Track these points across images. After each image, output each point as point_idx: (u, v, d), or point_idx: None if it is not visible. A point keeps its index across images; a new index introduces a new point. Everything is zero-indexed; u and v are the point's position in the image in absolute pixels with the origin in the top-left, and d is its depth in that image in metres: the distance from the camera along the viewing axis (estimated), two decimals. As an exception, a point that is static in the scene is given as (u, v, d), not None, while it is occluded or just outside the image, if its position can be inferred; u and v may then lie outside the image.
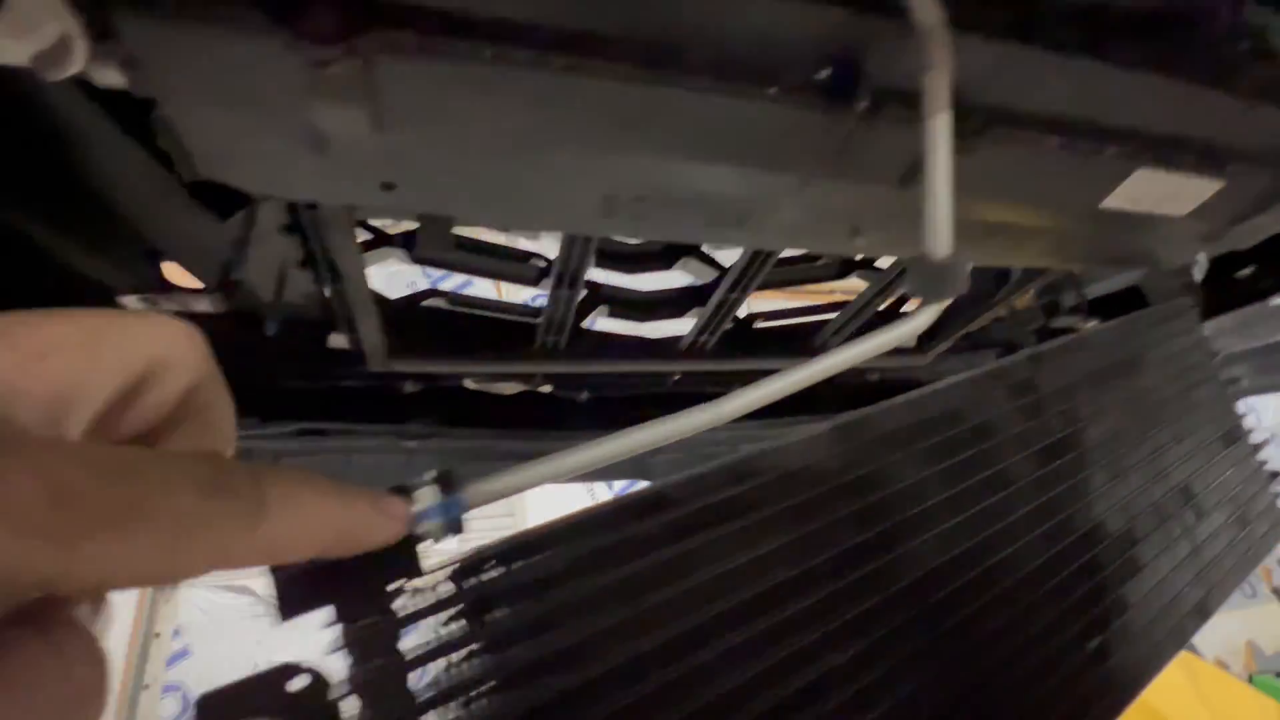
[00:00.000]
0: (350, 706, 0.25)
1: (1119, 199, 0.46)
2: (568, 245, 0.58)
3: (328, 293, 0.58)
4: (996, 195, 0.42)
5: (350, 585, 0.25)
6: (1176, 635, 0.47)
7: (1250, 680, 4.00)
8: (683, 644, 0.30)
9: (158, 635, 2.96)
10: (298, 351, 0.70)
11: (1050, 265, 0.55)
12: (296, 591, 0.24)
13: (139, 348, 0.19)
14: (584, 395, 0.90)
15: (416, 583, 0.25)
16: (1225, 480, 0.56)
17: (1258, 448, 0.60)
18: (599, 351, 0.79)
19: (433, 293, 0.81)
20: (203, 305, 0.53)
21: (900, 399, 0.41)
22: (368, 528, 0.22)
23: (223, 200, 0.52)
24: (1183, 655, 2.81)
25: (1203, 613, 0.50)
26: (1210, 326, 0.68)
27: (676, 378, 0.91)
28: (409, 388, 0.78)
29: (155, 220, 0.50)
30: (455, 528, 0.26)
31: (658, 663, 0.29)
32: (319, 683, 0.25)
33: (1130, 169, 0.43)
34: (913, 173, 0.41)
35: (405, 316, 0.73)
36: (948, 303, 0.36)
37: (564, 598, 0.28)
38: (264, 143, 0.33)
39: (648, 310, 0.98)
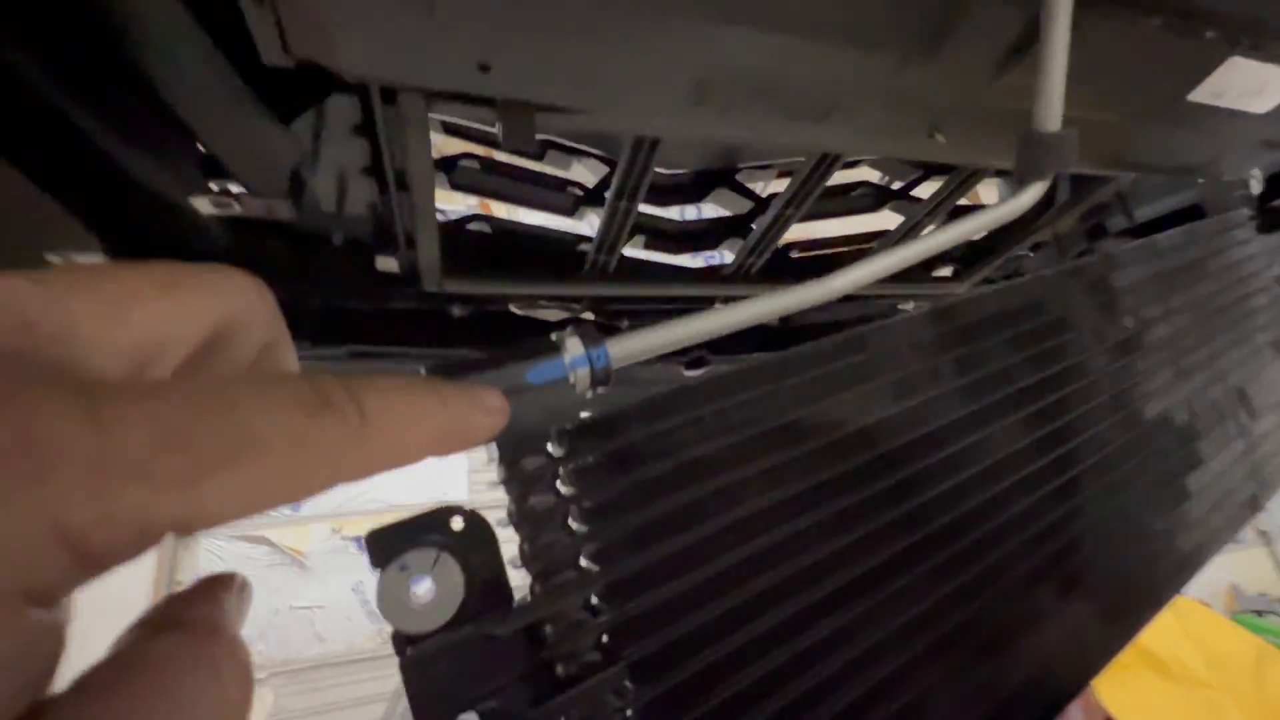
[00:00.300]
0: (508, 538, 0.26)
1: (1206, 91, 0.45)
2: (633, 150, 0.57)
3: (392, 202, 0.57)
4: (1088, 81, 0.42)
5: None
6: (1231, 524, 0.49)
7: (1233, 618, 4.19)
8: (802, 501, 0.31)
9: (179, 583, 3.05)
10: (349, 272, 0.70)
11: (1119, 169, 0.55)
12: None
13: (218, 300, 0.18)
14: (625, 324, 0.90)
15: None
16: (1276, 384, 0.58)
17: None
18: (645, 275, 0.79)
19: (477, 217, 0.80)
20: (280, 211, 0.53)
21: (989, 289, 0.41)
22: (468, 425, 0.22)
23: (284, 103, 0.51)
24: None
25: (1254, 506, 0.52)
26: (1262, 243, 0.68)
27: (718, 305, 0.92)
28: (457, 311, 0.78)
29: (218, 124, 0.49)
30: (603, 379, 0.27)
31: (780, 518, 0.30)
32: (476, 520, 0.26)
33: (1224, 56, 0.43)
34: (1010, 57, 0.40)
35: (454, 239, 0.73)
36: (1050, 180, 0.36)
37: (698, 453, 0.29)
38: (368, 9, 0.32)
39: (684, 241, 0.97)
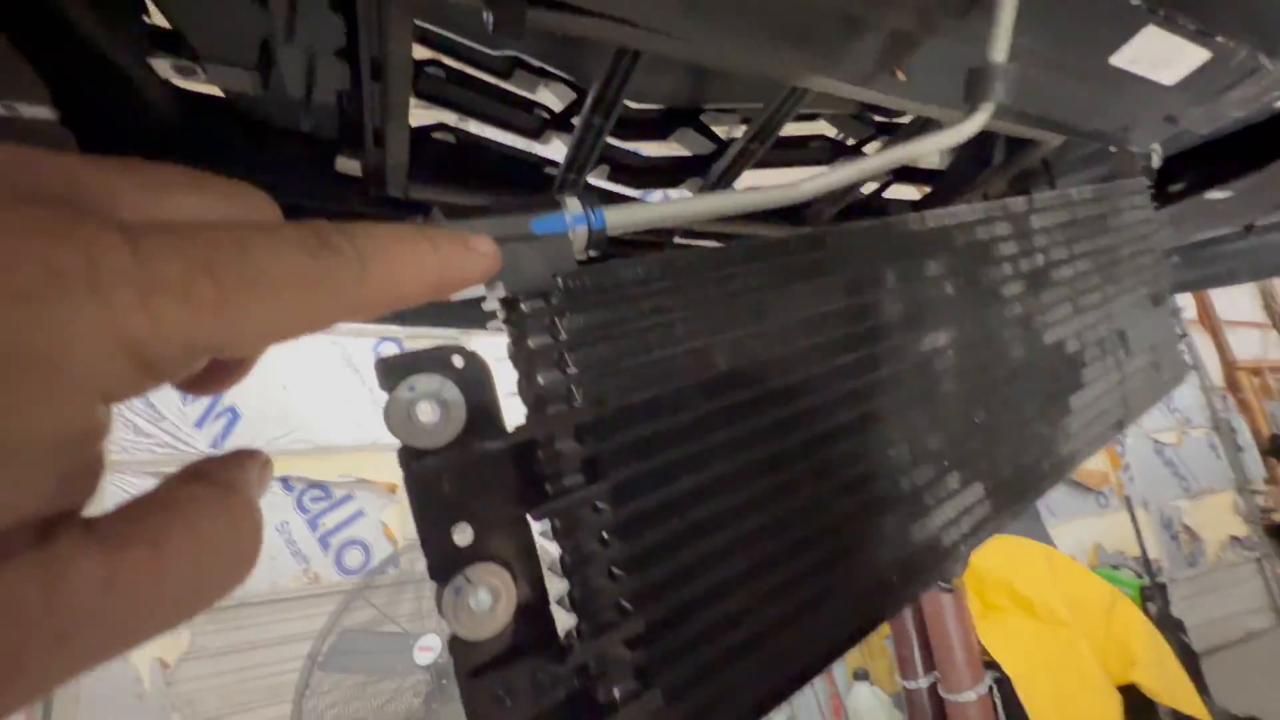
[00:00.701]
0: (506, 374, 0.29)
1: (1125, 56, 0.51)
2: (615, 61, 0.58)
3: (363, 93, 0.56)
4: (1030, 31, 0.47)
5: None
6: (1099, 439, 0.58)
7: (1094, 571, 4.79)
8: (780, 363, 0.35)
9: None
10: (306, 169, 0.68)
11: (1047, 127, 0.61)
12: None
13: (240, 205, 0.20)
14: (585, 250, 0.92)
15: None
16: (1150, 331, 0.67)
17: (1176, 311, 0.72)
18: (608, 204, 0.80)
19: (443, 127, 0.78)
20: (244, 84, 0.50)
21: (927, 213, 0.46)
22: (461, 266, 0.23)
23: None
24: (1044, 548, 3.31)
25: (1120, 427, 0.61)
26: (1155, 213, 0.78)
27: (677, 238, 0.95)
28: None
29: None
30: (598, 241, 0.30)
31: (738, 382, 0.35)
32: (476, 358, 0.29)
33: (1144, 23, 0.48)
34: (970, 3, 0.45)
35: (419, 146, 0.71)
36: (992, 109, 0.41)
37: (688, 312, 0.32)
38: None
39: (647, 175, 0.99)
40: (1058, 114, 0.61)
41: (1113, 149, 0.68)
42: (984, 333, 0.47)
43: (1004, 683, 2.78)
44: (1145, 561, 4.47)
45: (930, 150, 0.39)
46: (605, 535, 0.29)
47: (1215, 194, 0.78)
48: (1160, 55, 0.52)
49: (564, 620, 0.29)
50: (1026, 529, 4.43)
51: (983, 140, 0.92)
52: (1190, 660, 3.64)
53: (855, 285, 0.39)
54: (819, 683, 3.74)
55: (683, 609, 0.30)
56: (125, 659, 2.57)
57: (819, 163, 1.13)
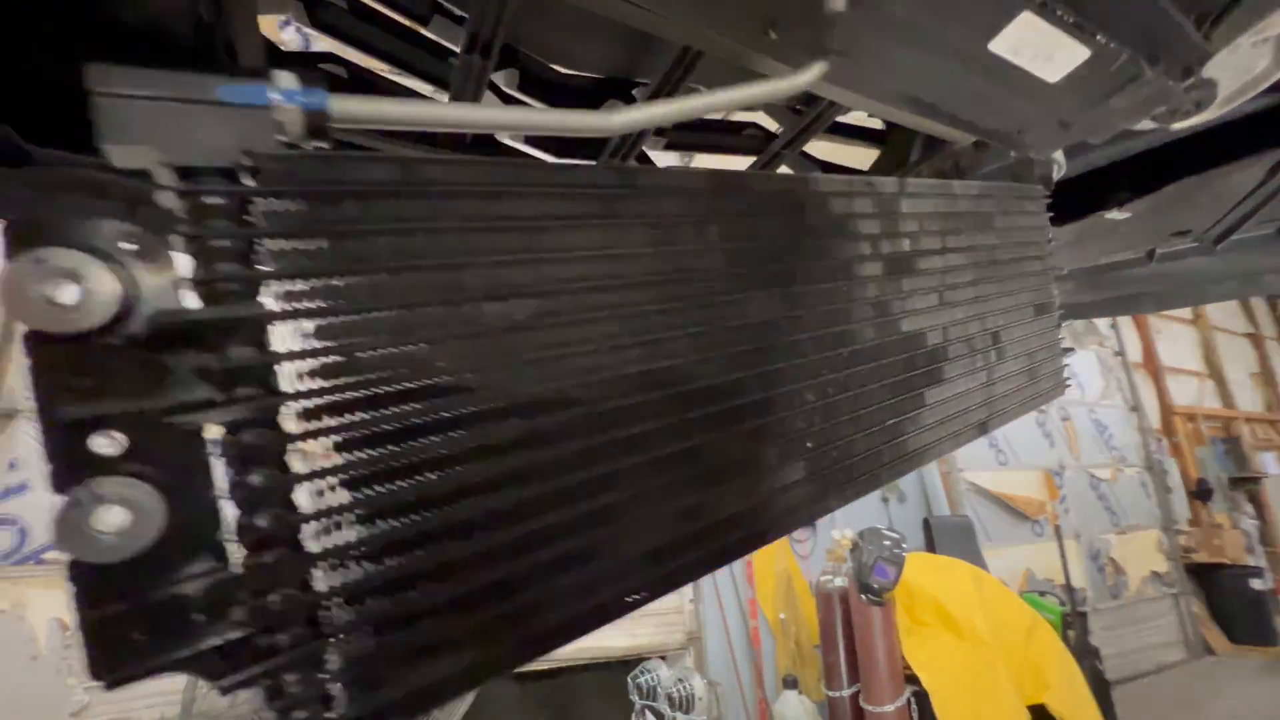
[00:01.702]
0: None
1: (1004, 43, 0.50)
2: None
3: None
4: (900, 2, 0.45)
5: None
6: (955, 438, 0.57)
7: (1020, 595, 4.94)
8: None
9: (-10, 463, 2.70)
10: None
11: (936, 118, 0.60)
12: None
13: None
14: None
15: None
16: (1029, 339, 0.67)
17: (1059, 324, 0.71)
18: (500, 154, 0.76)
19: (333, 58, 0.73)
20: None
21: (773, 173, 0.44)
22: None
23: None
24: (973, 569, 3.40)
25: (982, 428, 0.60)
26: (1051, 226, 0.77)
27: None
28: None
29: None
30: (318, 128, 0.26)
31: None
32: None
33: (1020, 9, 0.47)
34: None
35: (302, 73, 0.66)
36: (825, 65, 0.38)
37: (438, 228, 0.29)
38: None
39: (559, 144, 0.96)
40: (953, 106, 0.59)
41: (1013, 153, 0.67)
42: (827, 308, 0.45)
43: (922, 696, 2.83)
44: (1069, 590, 4.63)
45: (755, 99, 0.36)
46: (287, 461, 0.25)
47: (1114, 215, 0.78)
48: (1040, 47, 0.51)
49: (233, 554, 0.25)
50: (961, 550, 4.55)
51: (904, 140, 0.91)
52: (1102, 688, 3.77)
53: (667, 233, 0.36)
54: (748, 687, 3.76)
55: (376, 558, 0.26)
56: (21, 618, 2.42)
57: (750, 152, 1.11)
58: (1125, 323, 6.96)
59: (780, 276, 0.42)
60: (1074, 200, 0.83)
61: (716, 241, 0.38)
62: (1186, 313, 7.66)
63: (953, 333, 0.56)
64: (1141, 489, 6.47)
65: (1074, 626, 4.32)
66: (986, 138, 0.65)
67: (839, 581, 3.23)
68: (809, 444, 0.43)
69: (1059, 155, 0.71)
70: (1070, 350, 0.73)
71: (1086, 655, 4.06)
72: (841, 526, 4.10)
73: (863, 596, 2.97)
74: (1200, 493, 6.68)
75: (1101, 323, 6.71)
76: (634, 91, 1.00)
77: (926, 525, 4.77)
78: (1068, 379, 0.72)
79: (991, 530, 5.37)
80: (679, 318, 0.36)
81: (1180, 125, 0.70)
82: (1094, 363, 6.62)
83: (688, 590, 4.04)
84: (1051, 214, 0.71)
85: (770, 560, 4.44)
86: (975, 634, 3.17)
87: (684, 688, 3.00)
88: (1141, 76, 0.53)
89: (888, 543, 2.94)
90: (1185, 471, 6.78)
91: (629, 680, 3.09)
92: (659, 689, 3.05)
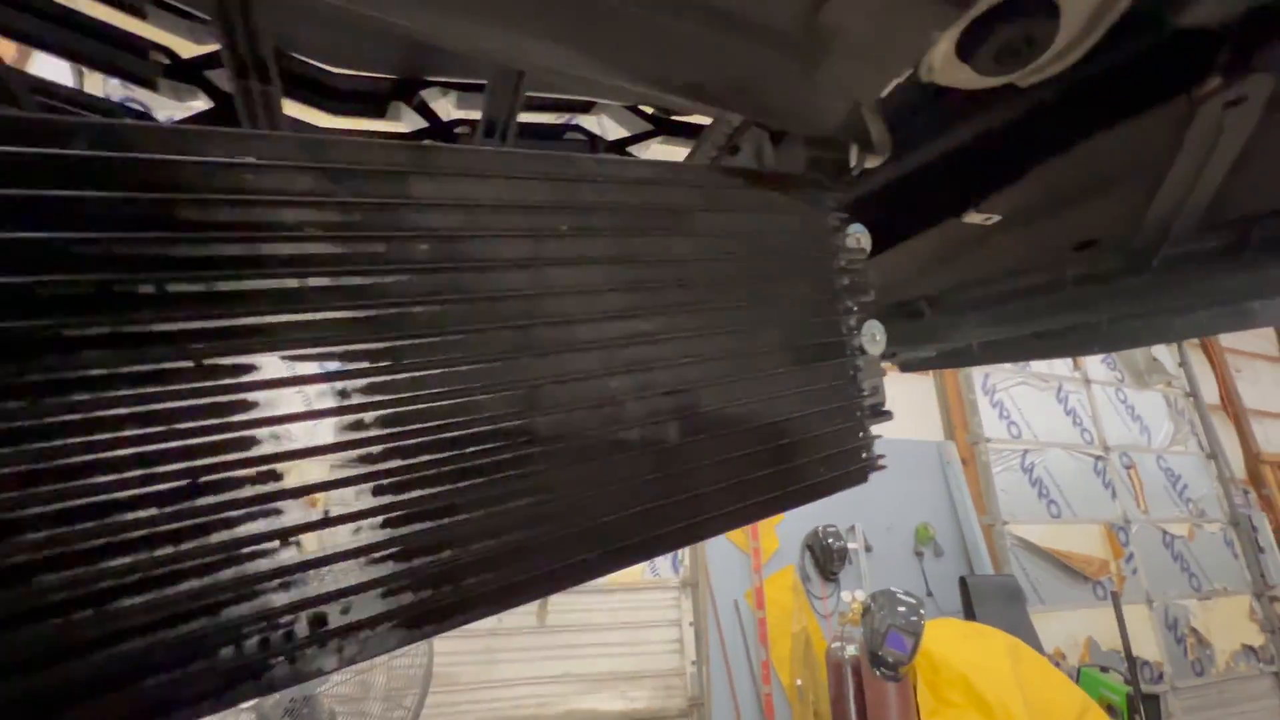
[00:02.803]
0: None
1: None
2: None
3: None
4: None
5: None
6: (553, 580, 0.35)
7: (1079, 670, 4.32)
8: None
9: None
10: None
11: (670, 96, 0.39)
12: None
13: None
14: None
15: None
16: (780, 400, 0.44)
17: (856, 375, 0.48)
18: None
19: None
20: None
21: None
22: None
23: None
24: (1010, 640, 2.96)
25: (642, 552, 0.37)
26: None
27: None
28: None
29: None
30: None
31: None
32: None
33: None
34: None
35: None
36: None
37: None
38: None
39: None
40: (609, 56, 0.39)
41: (762, 125, 0.46)
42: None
43: (949, 789, 2.43)
44: (1131, 665, 4.01)
45: None
46: None
47: (974, 219, 0.54)
48: None
49: None
50: (1004, 614, 4.00)
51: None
52: (1175, 787, 3.18)
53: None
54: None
55: None
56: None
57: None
58: (1197, 360, 6.23)
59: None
60: (934, 203, 0.60)
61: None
62: (1271, 347, 6.81)
63: (545, 398, 0.35)
64: (1226, 548, 5.67)
65: (1141, 710, 3.71)
66: (684, 99, 0.44)
67: (852, 650, 2.85)
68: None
69: (877, 131, 0.49)
70: (886, 415, 0.50)
71: (1158, 746, 3.45)
72: (852, 588, 3.69)
73: (876, 671, 2.62)
74: (1299, 553, 5.81)
75: (1167, 360, 6.03)
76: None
77: (963, 584, 4.25)
78: (879, 457, 0.48)
79: (1045, 592, 4.79)
80: None
81: (1030, 81, 0.47)
82: (1161, 404, 5.93)
83: (689, 650, 3.69)
84: (848, 216, 0.49)
85: (787, 619, 4.04)
86: (1011, 719, 2.71)
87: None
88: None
89: (902, 609, 2.58)
90: (1279, 527, 5.92)
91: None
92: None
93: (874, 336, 0.52)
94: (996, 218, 0.54)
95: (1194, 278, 0.59)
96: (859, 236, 0.52)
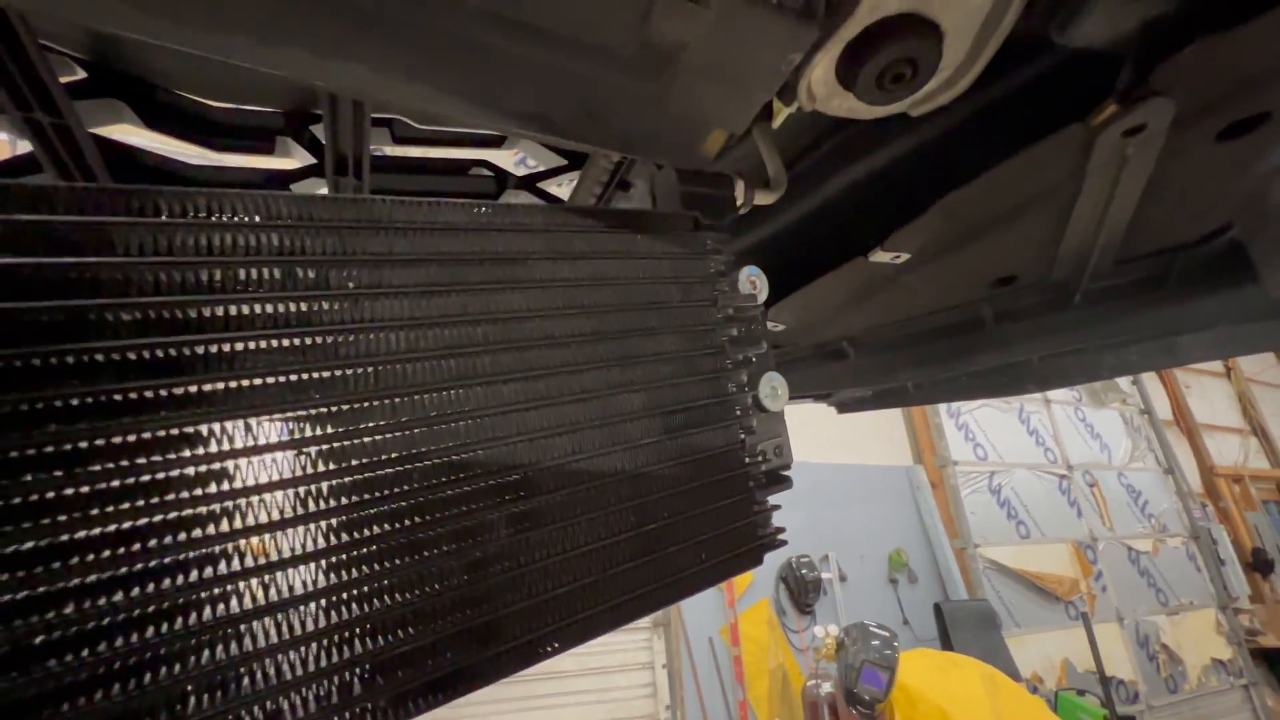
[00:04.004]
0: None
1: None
2: None
3: None
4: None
5: None
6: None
7: (1056, 695, 4.26)
8: None
9: None
10: None
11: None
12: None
13: None
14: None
15: None
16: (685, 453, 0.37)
17: (744, 441, 0.42)
18: None
19: None
20: None
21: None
22: None
23: None
24: (984, 668, 2.90)
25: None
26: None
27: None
28: None
29: None
30: None
31: None
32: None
33: None
34: None
35: None
36: None
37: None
38: None
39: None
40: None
41: (617, 158, 0.40)
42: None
43: (926, 821, 2.32)
44: (1106, 687, 3.97)
45: None
46: None
47: (880, 257, 0.50)
48: None
49: None
50: (979, 640, 3.93)
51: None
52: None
53: None
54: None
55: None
56: None
57: (482, 195, 0.87)
58: (1148, 378, 6.40)
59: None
60: (840, 241, 0.55)
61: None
62: (1218, 364, 7.05)
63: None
64: (1189, 561, 5.73)
65: (1117, 735, 3.66)
66: (527, 130, 0.38)
67: (828, 688, 2.76)
68: None
69: (773, 166, 0.44)
70: (785, 482, 0.43)
71: (1136, 770, 3.38)
72: (825, 623, 3.60)
73: (853, 709, 2.53)
74: (1258, 564, 5.91)
75: (1121, 379, 6.17)
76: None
77: (938, 611, 4.18)
78: (778, 531, 0.41)
79: (1019, 615, 4.74)
80: None
81: (923, 110, 0.43)
82: (1118, 422, 6.04)
83: (663, 694, 3.53)
84: (733, 259, 0.43)
85: (763, 655, 3.91)
86: (988, 750, 2.62)
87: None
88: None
89: (876, 643, 2.50)
90: (1238, 540, 6.02)
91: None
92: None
93: (774, 391, 0.46)
94: (905, 256, 0.49)
95: (1118, 313, 0.55)
96: (754, 279, 0.47)
